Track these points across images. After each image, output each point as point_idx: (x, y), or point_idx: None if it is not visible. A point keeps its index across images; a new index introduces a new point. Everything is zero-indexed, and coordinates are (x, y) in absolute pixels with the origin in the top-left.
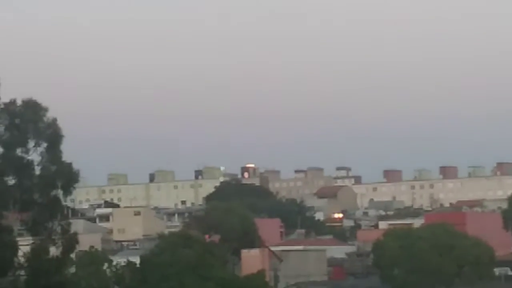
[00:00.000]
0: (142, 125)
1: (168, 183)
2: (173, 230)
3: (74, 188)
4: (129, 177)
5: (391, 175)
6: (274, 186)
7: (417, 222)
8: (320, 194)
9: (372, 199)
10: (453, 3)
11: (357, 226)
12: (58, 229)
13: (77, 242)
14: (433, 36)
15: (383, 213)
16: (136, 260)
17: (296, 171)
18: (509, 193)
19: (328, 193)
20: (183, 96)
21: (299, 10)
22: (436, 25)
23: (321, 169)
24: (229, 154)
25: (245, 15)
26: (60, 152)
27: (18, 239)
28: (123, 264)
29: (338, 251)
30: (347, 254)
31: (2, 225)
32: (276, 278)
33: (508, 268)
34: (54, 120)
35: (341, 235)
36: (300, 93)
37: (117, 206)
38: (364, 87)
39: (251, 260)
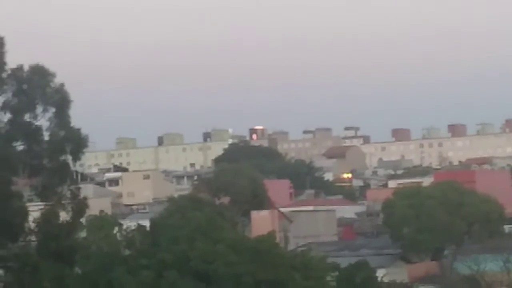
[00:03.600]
0: (149, 88)
1: (177, 146)
2: (182, 193)
3: (83, 153)
4: (138, 141)
5: (399, 134)
6: (282, 147)
7: (426, 181)
8: (329, 155)
9: (381, 158)
10: None
11: (367, 186)
12: (68, 194)
13: (87, 206)
14: None
15: (392, 172)
16: (146, 223)
17: (305, 132)
18: None
19: (337, 153)
20: (191, 59)
21: None
22: None
23: (329, 129)
24: (237, 116)
25: None
26: (69, 117)
27: (28, 204)
28: (133, 228)
29: (348, 211)
30: (356, 214)
31: (12, 191)
32: (286, 239)
33: None
34: (62, 85)
35: (351, 195)
36: (307, 54)
37: (126, 170)
38: (371, 46)
39: (261, 221)
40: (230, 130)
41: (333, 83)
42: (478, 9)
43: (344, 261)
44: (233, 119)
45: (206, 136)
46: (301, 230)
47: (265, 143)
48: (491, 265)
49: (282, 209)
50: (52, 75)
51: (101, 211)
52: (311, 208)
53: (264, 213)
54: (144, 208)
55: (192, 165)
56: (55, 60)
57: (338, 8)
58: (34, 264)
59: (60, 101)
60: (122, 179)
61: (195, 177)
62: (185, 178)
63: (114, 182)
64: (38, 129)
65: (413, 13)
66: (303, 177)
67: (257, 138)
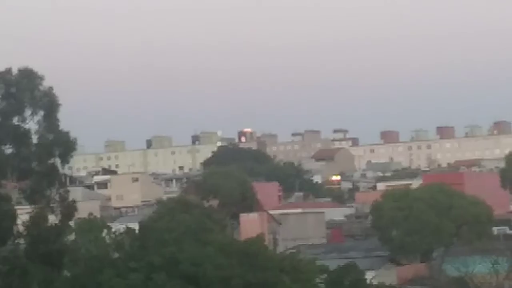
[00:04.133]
0: (138, 91)
1: (166, 149)
2: (171, 195)
3: (72, 156)
4: (126, 143)
5: (388, 136)
6: (271, 149)
7: (415, 183)
8: (318, 157)
9: (369, 160)
10: None
11: (355, 188)
12: (57, 197)
13: (75, 209)
14: None
15: (380, 174)
16: (135, 226)
17: (293, 134)
18: (506, 152)
19: (326, 155)
20: (179, 62)
21: None
22: None
23: (318, 132)
24: (226, 118)
25: None
26: (57, 120)
27: (16, 207)
28: (122, 230)
29: (337, 214)
30: (345, 216)
31: (1, 194)
32: (275, 242)
33: (507, 227)
34: (50, 88)
35: (339, 197)
36: (296, 57)
37: (115, 173)
38: (360, 49)
39: (250, 224)
40: (219, 133)
41: (322, 86)
42: (467, 11)
43: (333, 264)
44: (222, 122)
45: (195, 139)
46: (290, 232)
47: (254, 145)
48: (480, 267)
49: (271, 212)
50: (41, 78)
51: (90, 214)
52: (300, 210)
53: (253, 215)
54: (133, 211)
55: (181, 168)
56: (43, 63)
57: (327, 11)
58: (23, 267)
59: (49, 104)
60: (111, 182)
61: (184, 180)
62: (174, 181)
63: (103, 185)
64: (27, 132)
65: (401, 16)
66: (292, 180)
67: (246, 141)
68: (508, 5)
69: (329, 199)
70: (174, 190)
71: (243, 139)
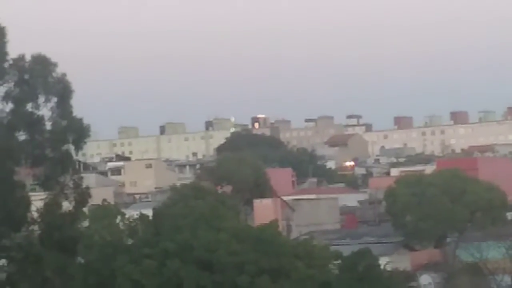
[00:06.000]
0: (151, 77)
1: (179, 135)
2: (185, 182)
3: (85, 142)
4: (140, 130)
5: (401, 122)
6: (285, 136)
7: (429, 169)
8: (331, 143)
9: (383, 146)
10: None
11: (369, 174)
12: (70, 183)
13: (89, 196)
14: None
15: (394, 160)
16: (149, 212)
17: (307, 120)
18: None
19: (339, 141)
20: (193, 47)
21: None
22: None
23: (331, 118)
24: (239, 104)
25: None
26: (71, 106)
27: (30, 194)
28: (135, 217)
29: (350, 199)
30: (359, 202)
31: (15, 180)
32: (289, 228)
33: None
34: (64, 75)
35: (353, 183)
36: (308, 42)
37: (129, 159)
38: (373, 33)
39: (264, 210)
40: (232, 119)
41: (335, 72)
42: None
43: (347, 249)
44: (235, 108)
45: (208, 125)
46: (304, 218)
47: (267, 131)
48: (494, 253)
49: (284, 198)
50: (54, 64)
51: (104, 200)
52: (313, 196)
53: (267, 201)
54: (147, 197)
55: (195, 154)
56: (57, 49)
57: None
58: (37, 254)
59: (62, 91)
60: (125, 168)
61: (197, 166)
62: (188, 167)
63: (117, 171)
64: (40, 119)
65: (412, 1)
66: (306, 166)
67: (259, 127)
68: None
69: (342, 185)
70: (188, 176)
71: (256, 125)
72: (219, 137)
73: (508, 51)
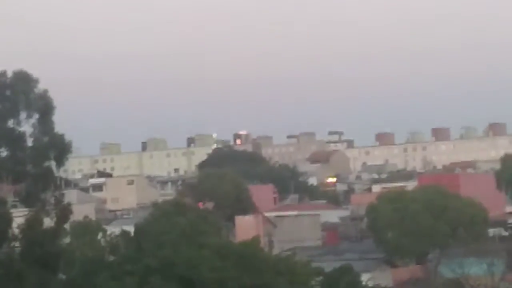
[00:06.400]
0: (133, 93)
1: (161, 151)
2: (166, 198)
3: (67, 158)
4: (122, 146)
5: (383, 138)
6: (266, 152)
7: (410, 185)
8: (313, 159)
9: (365, 162)
10: None
11: (351, 190)
12: (52, 200)
13: (71, 212)
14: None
15: (376, 176)
16: (131, 229)
17: (288, 137)
18: (501, 154)
19: (321, 157)
20: (174, 63)
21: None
22: None
23: (313, 134)
24: (221, 120)
25: None
26: (52, 123)
27: (12, 210)
28: (117, 233)
29: (332, 216)
30: (341, 218)
31: None
32: (271, 244)
33: (502, 229)
34: (45, 91)
35: (335, 199)
36: (290, 58)
37: (110, 175)
38: (355, 49)
39: (246, 226)
40: (214, 135)
41: (317, 88)
42: (462, 14)
43: (329, 266)
44: (217, 124)
45: (190, 141)
46: (286, 234)
47: (249, 148)
48: (476, 269)
49: (266, 214)
50: (36, 81)
51: (85, 217)
52: (295, 212)
53: (249, 218)
54: (128, 214)
55: (176, 170)
56: (39, 66)
57: (325, 22)
58: (18, 270)
59: (44, 107)
60: (106, 184)
61: (179, 182)
62: (169, 183)
63: (98, 187)
64: (22, 135)
65: (391, 22)
66: (287, 182)
67: (241, 143)
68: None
69: (324, 201)
70: (170, 192)
71: (238, 141)
72: (201, 153)
73: (487, 68)
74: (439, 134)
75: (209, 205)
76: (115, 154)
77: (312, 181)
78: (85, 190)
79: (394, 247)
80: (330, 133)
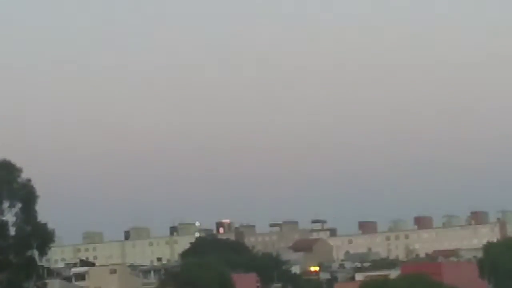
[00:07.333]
0: (115, 183)
1: (143, 240)
2: (149, 287)
3: (50, 248)
4: (104, 235)
5: (366, 227)
6: (249, 240)
7: (393, 273)
8: (296, 248)
9: (348, 251)
10: None
11: (334, 279)
12: None
13: None
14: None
15: (359, 265)
16: None
17: (271, 225)
18: (484, 242)
19: (304, 246)
20: (156, 153)
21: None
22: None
23: (296, 222)
24: (203, 209)
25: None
26: (35, 212)
27: None
28: None
29: None
30: None
31: None
32: None
33: None
34: (28, 180)
35: None
36: (272, 147)
37: (93, 264)
38: (336, 135)
39: None
40: (197, 224)
41: (299, 177)
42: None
43: None
44: (200, 213)
45: (173, 230)
46: None
47: (232, 236)
48: None
49: None
50: (19, 170)
51: None
52: None
53: None
54: None
55: (159, 259)
56: (21, 155)
57: (299, 96)
58: None
59: (27, 196)
60: (89, 273)
61: (162, 271)
62: (152, 272)
63: (81, 276)
64: (4, 224)
65: (367, 96)
66: (271, 271)
67: (224, 232)
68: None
69: None
70: (152, 281)
71: (221, 230)
72: (184, 242)
73: (470, 158)
74: (422, 222)
75: None
76: (98, 243)
77: (295, 269)
78: (68, 279)
79: None
80: (313, 221)
